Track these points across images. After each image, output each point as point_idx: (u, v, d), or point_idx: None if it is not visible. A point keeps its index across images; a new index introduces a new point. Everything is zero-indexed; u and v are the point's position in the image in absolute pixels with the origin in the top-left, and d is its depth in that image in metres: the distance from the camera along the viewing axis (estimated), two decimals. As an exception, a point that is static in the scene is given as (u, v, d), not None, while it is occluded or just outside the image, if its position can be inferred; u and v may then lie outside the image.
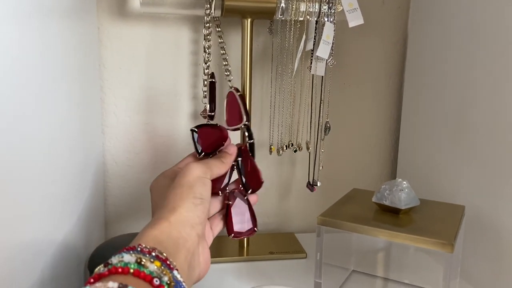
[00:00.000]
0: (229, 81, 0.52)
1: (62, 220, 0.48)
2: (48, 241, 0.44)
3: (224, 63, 0.52)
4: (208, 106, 0.53)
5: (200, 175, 0.42)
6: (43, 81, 0.42)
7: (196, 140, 0.48)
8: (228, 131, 0.51)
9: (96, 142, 0.64)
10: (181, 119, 0.70)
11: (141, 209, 0.71)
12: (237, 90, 0.52)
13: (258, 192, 0.51)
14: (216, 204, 0.48)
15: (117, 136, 0.69)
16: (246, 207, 0.49)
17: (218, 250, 0.64)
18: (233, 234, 0.47)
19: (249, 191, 0.49)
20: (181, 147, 0.70)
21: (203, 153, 0.48)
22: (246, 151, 0.51)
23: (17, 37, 0.37)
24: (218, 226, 0.48)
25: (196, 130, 0.48)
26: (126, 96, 0.68)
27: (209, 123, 0.52)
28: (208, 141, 0.48)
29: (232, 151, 0.49)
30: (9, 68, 0.35)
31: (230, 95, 0.52)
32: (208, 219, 0.47)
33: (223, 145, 0.49)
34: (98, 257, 0.50)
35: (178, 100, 0.69)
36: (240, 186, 0.50)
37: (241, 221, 0.48)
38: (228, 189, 0.49)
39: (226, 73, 0.52)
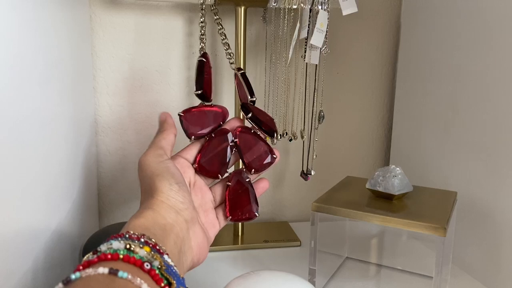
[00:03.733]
0: (232, 63, 0.51)
1: (55, 209, 0.48)
2: (42, 229, 0.44)
3: (225, 47, 0.52)
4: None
5: (154, 160, 0.40)
6: (35, 70, 0.42)
7: (182, 124, 0.45)
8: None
9: (89, 132, 0.63)
10: (174, 108, 0.70)
11: (135, 198, 0.71)
12: (239, 69, 0.50)
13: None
14: (221, 191, 0.47)
15: (110, 125, 0.68)
16: (246, 189, 0.46)
17: (213, 238, 0.65)
18: (230, 217, 0.45)
19: (252, 172, 0.47)
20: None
21: (193, 137, 0.45)
22: (243, 131, 0.47)
23: (8, 26, 0.36)
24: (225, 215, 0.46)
25: (182, 114, 0.46)
26: (119, 85, 0.67)
27: (200, 104, 0.48)
28: (199, 123, 0.46)
29: (163, 116, 0.45)
30: (0, 58, 0.35)
31: (236, 77, 0.50)
32: (215, 208, 0.46)
33: (220, 124, 0.47)
34: (92, 246, 0.50)
35: (171, 89, 0.69)
36: (244, 168, 0.47)
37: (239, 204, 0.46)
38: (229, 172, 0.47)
39: (227, 57, 0.52)
